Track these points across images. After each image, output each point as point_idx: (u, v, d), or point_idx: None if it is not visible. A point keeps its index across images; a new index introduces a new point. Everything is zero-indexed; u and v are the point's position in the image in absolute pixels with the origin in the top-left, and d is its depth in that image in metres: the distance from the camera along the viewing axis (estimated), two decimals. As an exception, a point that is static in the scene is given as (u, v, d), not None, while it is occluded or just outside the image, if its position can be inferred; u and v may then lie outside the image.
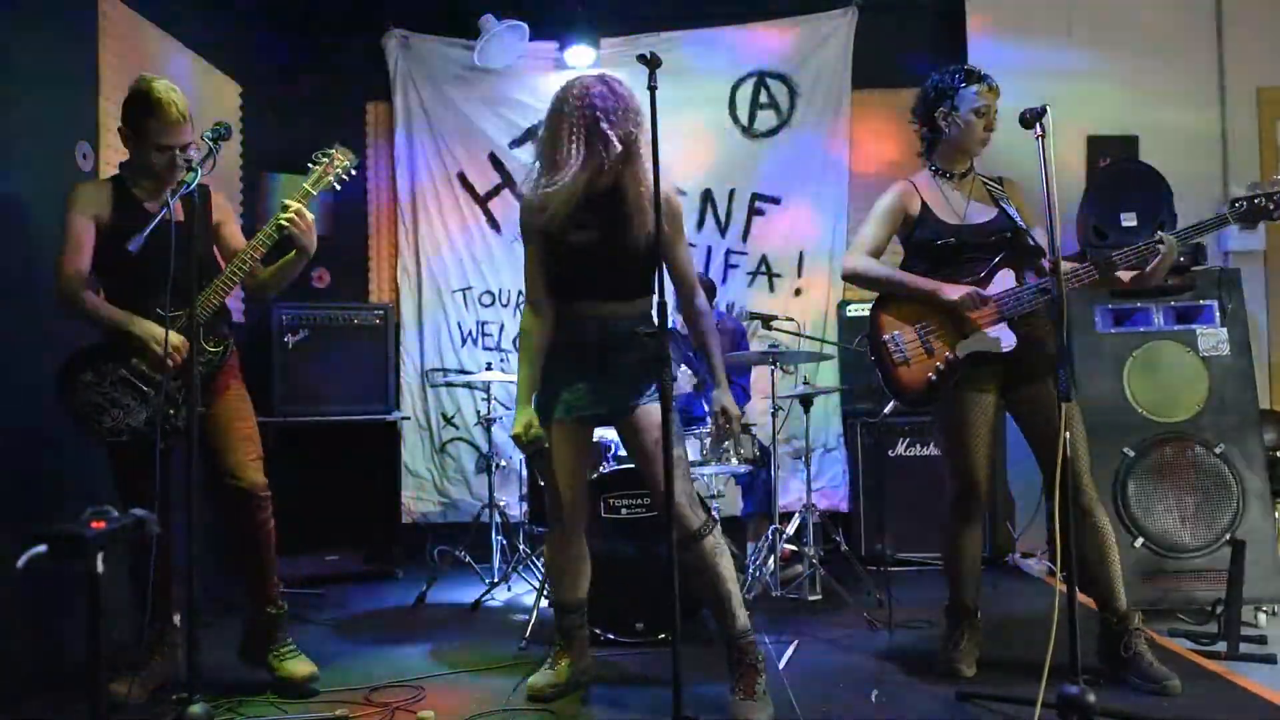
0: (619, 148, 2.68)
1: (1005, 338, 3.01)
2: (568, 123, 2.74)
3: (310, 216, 2.98)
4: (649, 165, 2.51)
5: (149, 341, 2.88)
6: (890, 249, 3.26)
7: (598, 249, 2.76)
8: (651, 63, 2.43)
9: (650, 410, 2.79)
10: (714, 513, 2.87)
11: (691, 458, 3.95)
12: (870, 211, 3.24)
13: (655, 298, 2.47)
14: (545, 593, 3.73)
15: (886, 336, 3.13)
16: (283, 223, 2.94)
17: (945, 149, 3.16)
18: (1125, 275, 3.00)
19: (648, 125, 2.62)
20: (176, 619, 3.17)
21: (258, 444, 3.13)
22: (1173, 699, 2.85)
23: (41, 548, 1.67)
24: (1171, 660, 3.20)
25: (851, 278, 3.25)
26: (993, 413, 3.09)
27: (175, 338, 2.84)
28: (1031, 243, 3.09)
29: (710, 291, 4.86)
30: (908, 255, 3.24)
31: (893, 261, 3.24)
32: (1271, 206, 2.91)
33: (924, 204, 3.14)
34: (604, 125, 2.69)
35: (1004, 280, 3.04)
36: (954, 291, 3.01)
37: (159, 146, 2.94)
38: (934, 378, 3.05)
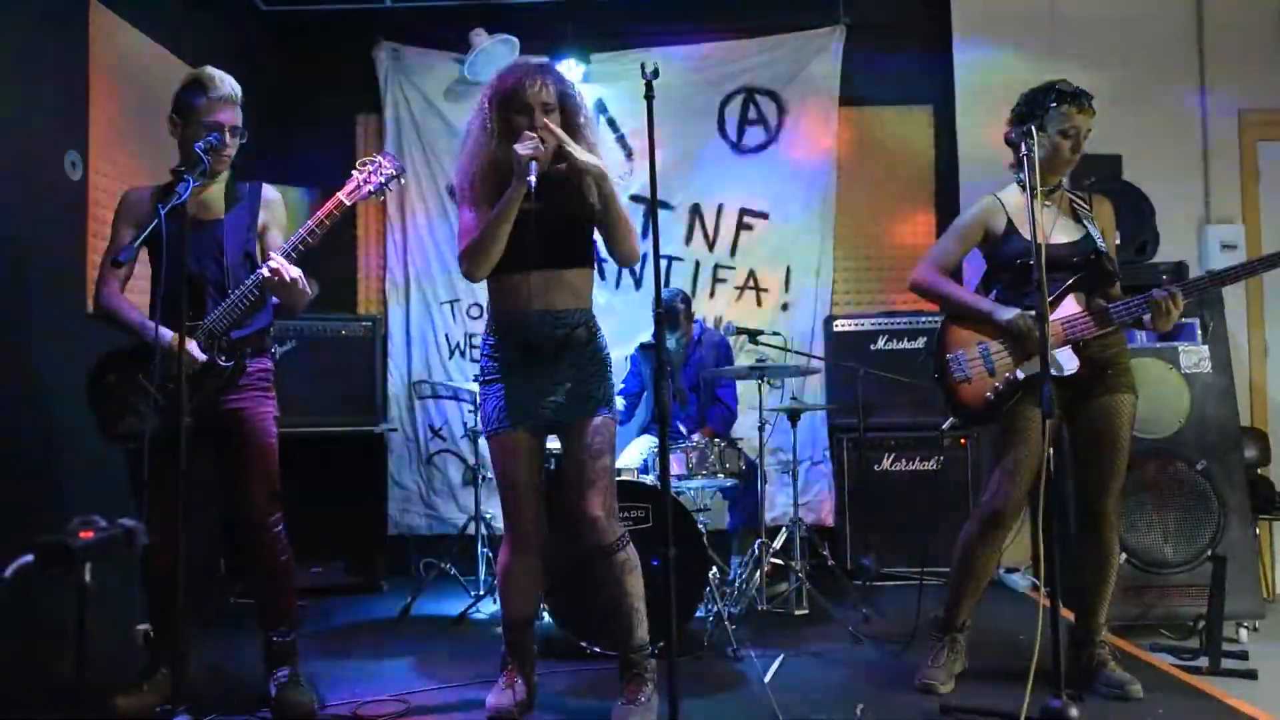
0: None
1: (1068, 361, 3.02)
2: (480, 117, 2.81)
3: (294, 272, 2.83)
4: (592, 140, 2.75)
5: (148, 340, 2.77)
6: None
7: (541, 219, 2.76)
8: (649, 74, 2.48)
9: (592, 423, 2.83)
10: (625, 534, 2.85)
11: (677, 471, 3.97)
12: (951, 224, 3.29)
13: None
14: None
15: (950, 355, 3.15)
16: (263, 279, 2.83)
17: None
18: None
19: (582, 101, 2.79)
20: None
21: (269, 475, 2.99)
22: (1153, 711, 2.87)
23: (28, 558, 1.66)
24: (1154, 675, 3.23)
25: (916, 289, 3.28)
26: (1052, 433, 3.04)
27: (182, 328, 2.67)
28: (1110, 267, 3.10)
29: (685, 316, 4.87)
30: (990, 270, 3.27)
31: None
32: None
33: (1009, 219, 3.16)
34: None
35: (1073, 304, 3.06)
36: (1007, 313, 3.04)
37: (206, 125, 2.87)
38: (992, 396, 3.07)
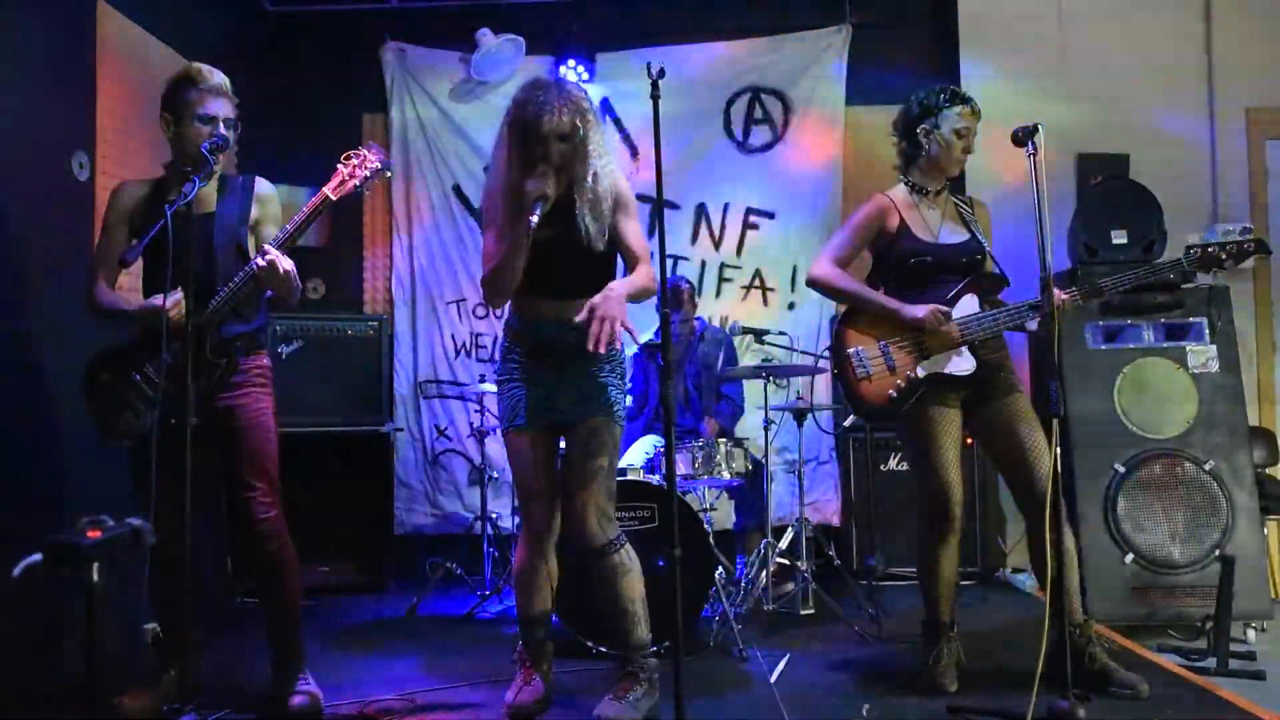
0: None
1: (966, 361, 3.08)
2: (505, 135, 2.80)
3: (286, 265, 2.79)
4: (599, 164, 2.74)
5: (150, 317, 2.74)
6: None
7: (558, 247, 2.79)
8: (655, 74, 2.47)
9: (588, 423, 2.86)
10: (620, 536, 2.89)
11: (683, 471, 3.97)
12: (844, 222, 3.31)
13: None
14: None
15: (850, 350, 3.19)
16: (256, 270, 2.79)
17: (923, 166, 3.22)
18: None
19: (594, 122, 2.77)
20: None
21: (268, 473, 2.98)
22: (1162, 712, 2.86)
23: (36, 557, 1.66)
24: (1161, 676, 3.22)
25: (815, 285, 3.31)
26: (959, 429, 3.14)
27: (187, 323, 2.64)
28: (996, 270, 3.18)
29: (689, 296, 4.90)
30: (878, 269, 3.29)
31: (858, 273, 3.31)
32: (1224, 256, 3.02)
33: (902, 220, 3.19)
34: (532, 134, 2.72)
35: (968, 304, 3.11)
36: (918, 310, 3.07)
37: (199, 118, 2.87)
38: (894, 394, 3.10)
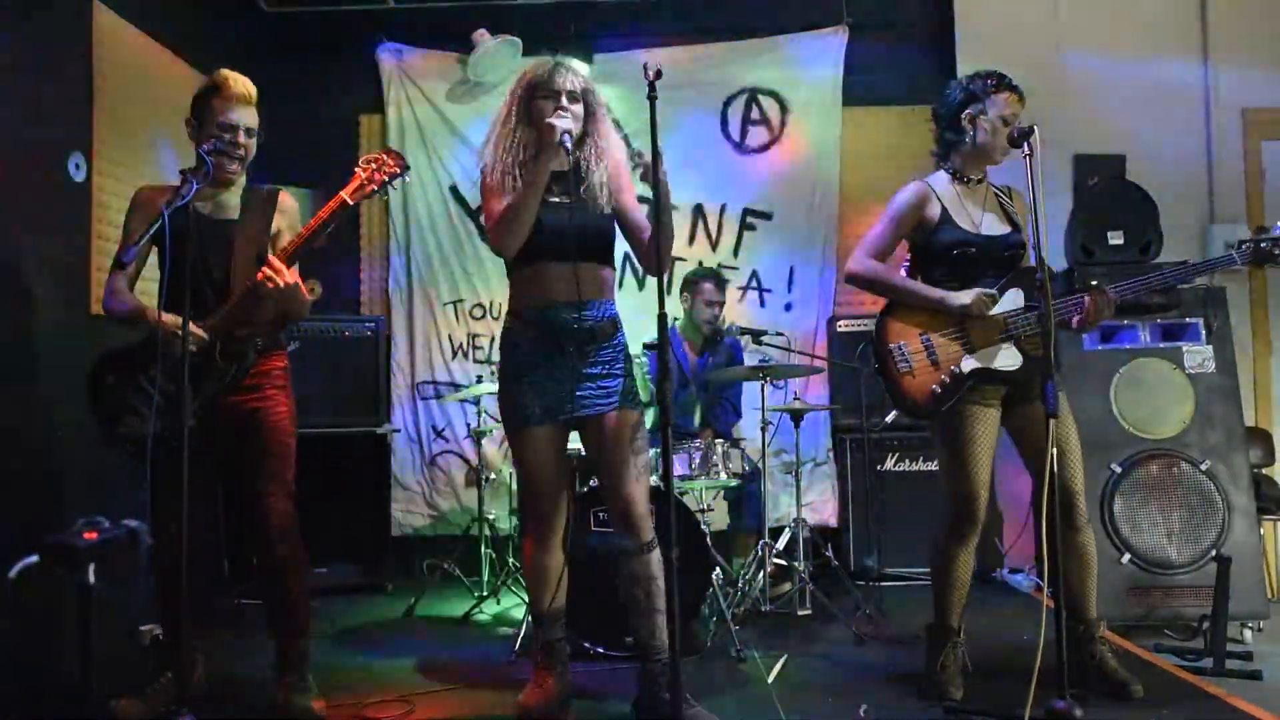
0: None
1: (1011, 357, 3.00)
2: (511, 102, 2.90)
3: (289, 277, 2.75)
4: (607, 129, 2.88)
5: (163, 330, 2.72)
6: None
7: (568, 215, 2.81)
8: (652, 75, 2.49)
9: (621, 416, 2.84)
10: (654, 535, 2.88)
11: (680, 472, 3.97)
12: (882, 212, 3.18)
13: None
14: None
15: (892, 345, 3.08)
16: (254, 284, 2.75)
17: (967, 154, 3.11)
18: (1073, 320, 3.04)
19: (601, 100, 2.93)
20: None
21: (285, 478, 2.94)
22: (1158, 712, 2.86)
23: (33, 558, 1.66)
24: (1158, 676, 3.22)
25: (854, 280, 3.18)
26: (996, 430, 3.05)
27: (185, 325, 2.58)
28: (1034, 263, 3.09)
29: (720, 283, 4.93)
30: (918, 262, 3.18)
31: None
32: (1277, 251, 2.95)
33: (943, 208, 3.09)
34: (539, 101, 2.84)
35: (1014, 298, 3.02)
36: (964, 296, 2.99)
37: (220, 125, 2.87)
38: (938, 390, 3.01)
